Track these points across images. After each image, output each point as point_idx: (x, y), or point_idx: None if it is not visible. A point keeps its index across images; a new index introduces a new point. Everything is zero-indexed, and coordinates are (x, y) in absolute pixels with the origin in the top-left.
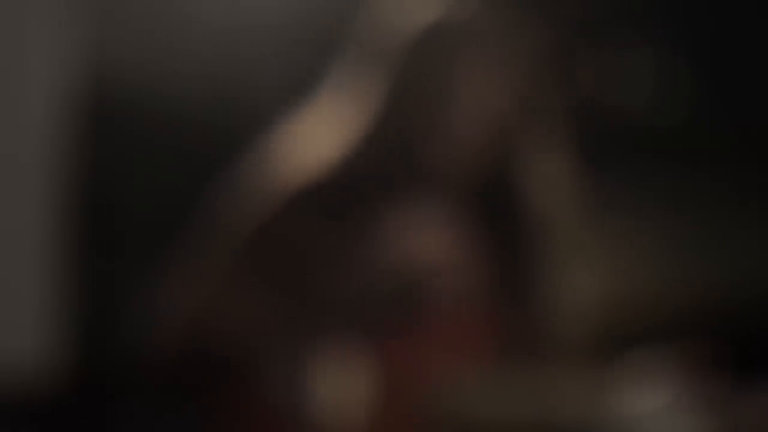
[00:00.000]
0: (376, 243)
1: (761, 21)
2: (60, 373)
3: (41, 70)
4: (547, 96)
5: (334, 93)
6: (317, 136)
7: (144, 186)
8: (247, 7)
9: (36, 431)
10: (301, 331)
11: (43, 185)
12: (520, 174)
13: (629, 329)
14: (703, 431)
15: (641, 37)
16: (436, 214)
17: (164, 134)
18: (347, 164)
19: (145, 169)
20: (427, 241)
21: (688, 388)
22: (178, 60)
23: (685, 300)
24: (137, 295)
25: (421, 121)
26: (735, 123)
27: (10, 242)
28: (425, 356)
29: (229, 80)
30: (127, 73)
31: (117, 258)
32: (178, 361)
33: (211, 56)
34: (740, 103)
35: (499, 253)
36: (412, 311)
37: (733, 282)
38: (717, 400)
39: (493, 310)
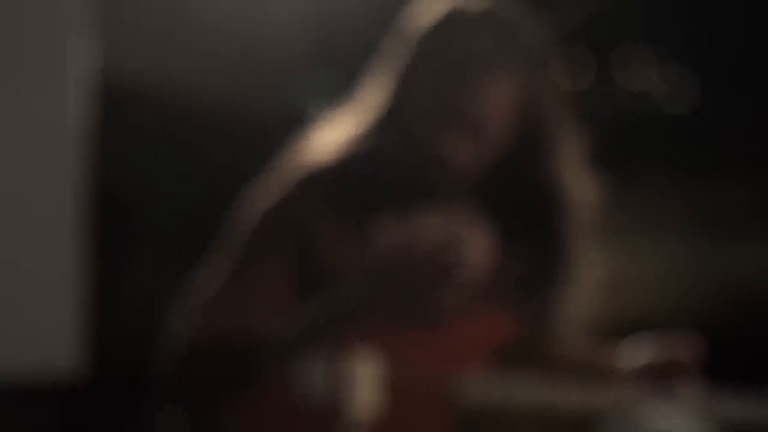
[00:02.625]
0: (389, 231)
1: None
2: (81, 366)
3: (58, 69)
4: (563, 84)
5: (352, 82)
6: (334, 125)
7: (161, 185)
8: (262, 3)
9: (60, 417)
10: (317, 322)
11: (64, 189)
12: (540, 162)
13: (632, 318)
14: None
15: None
16: (454, 202)
17: (182, 134)
18: (359, 151)
19: (161, 166)
20: (443, 229)
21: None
22: (195, 56)
23: (689, 291)
24: (155, 292)
25: (435, 109)
26: (747, 123)
27: (36, 248)
28: (440, 347)
29: (246, 76)
30: (144, 73)
31: (133, 256)
32: (195, 353)
33: (229, 51)
34: (750, 102)
35: (517, 241)
36: (427, 300)
37: (744, 280)
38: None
39: (509, 300)
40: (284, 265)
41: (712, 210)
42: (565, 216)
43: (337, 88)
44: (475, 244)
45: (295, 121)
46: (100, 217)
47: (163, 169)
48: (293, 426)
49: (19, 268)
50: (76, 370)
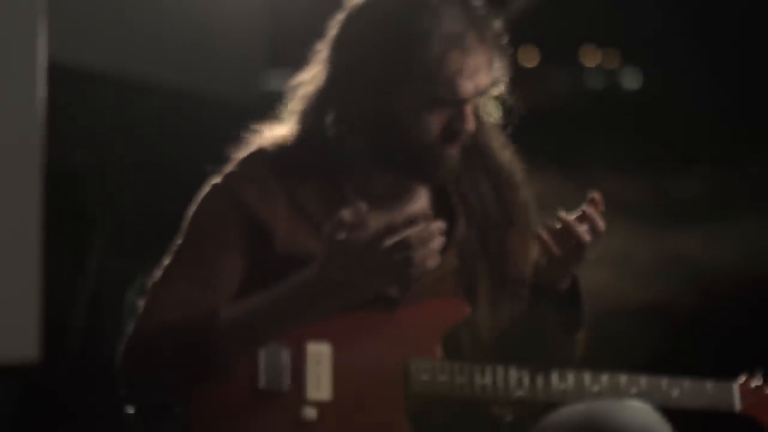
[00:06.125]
0: (342, 213)
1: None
2: (36, 349)
3: (9, 50)
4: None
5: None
6: (288, 105)
7: (120, 171)
8: None
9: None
10: (271, 305)
11: (18, 173)
12: (482, 137)
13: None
14: None
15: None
16: (401, 180)
17: (140, 119)
18: (309, 130)
19: (120, 155)
20: (395, 212)
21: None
22: (152, 39)
23: (646, 271)
24: (112, 276)
25: (395, 85)
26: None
27: None
28: (393, 331)
29: (204, 59)
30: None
31: (89, 241)
32: (145, 337)
33: (185, 34)
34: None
35: (466, 218)
36: (379, 283)
37: (701, 261)
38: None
39: (460, 283)
40: (230, 245)
41: (668, 191)
42: (513, 199)
43: (293, 69)
44: (427, 226)
45: (250, 102)
46: (56, 202)
47: (122, 157)
48: (246, 409)
49: None
50: (31, 353)
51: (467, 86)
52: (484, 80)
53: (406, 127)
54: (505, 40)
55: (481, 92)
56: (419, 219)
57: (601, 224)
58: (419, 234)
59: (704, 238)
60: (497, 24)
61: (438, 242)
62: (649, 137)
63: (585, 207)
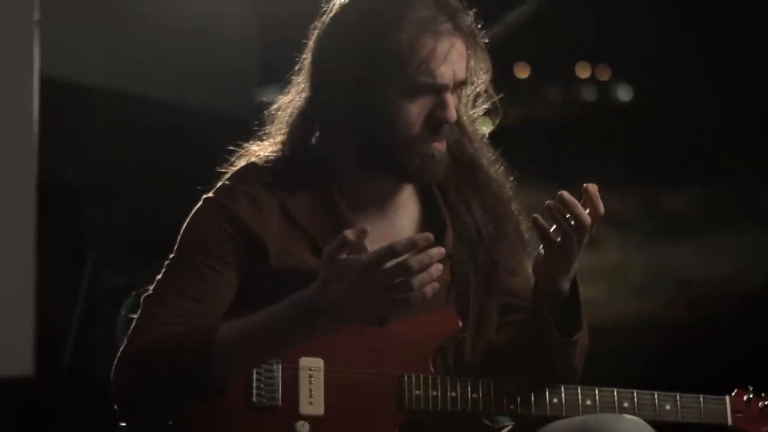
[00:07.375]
0: (341, 237)
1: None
2: (27, 363)
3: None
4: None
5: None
6: (277, 117)
7: (114, 185)
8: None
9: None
10: (264, 323)
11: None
12: (468, 146)
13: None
14: None
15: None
16: (391, 187)
17: (134, 133)
18: (300, 140)
19: (113, 168)
20: (383, 219)
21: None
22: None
23: (641, 283)
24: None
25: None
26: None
27: None
28: (385, 345)
29: (194, 75)
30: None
31: (80, 257)
32: (137, 352)
33: (177, 50)
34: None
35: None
36: (377, 306)
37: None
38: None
39: (453, 297)
40: (223, 259)
41: (660, 204)
42: (503, 213)
43: (286, 84)
44: (427, 251)
45: (244, 116)
46: (50, 217)
47: (115, 171)
48: (239, 424)
49: None
50: (25, 368)
51: (444, 71)
52: (462, 67)
53: (389, 120)
54: (479, 31)
55: (459, 80)
56: (418, 243)
57: (601, 206)
58: (419, 258)
59: (696, 251)
60: (470, 15)
61: (437, 268)
62: (641, 151)
63: (587, 185)
